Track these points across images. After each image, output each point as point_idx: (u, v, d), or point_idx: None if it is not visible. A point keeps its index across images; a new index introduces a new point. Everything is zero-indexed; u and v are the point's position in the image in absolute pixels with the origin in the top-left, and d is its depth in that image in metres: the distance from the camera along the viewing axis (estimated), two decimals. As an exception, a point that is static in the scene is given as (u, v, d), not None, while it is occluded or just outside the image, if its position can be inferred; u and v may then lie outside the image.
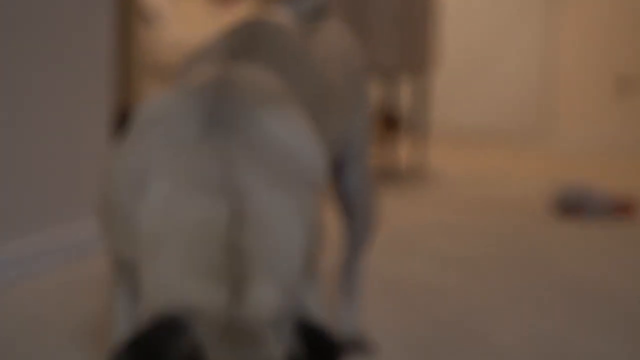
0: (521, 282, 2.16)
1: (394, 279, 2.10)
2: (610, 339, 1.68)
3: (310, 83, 1.35)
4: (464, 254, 2.48)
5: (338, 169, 1.62)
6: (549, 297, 2.02)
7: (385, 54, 3.80)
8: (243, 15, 1.36)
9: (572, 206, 3.21)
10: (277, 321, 0.90)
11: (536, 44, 7.14)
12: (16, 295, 1.84)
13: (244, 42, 1.30)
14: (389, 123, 4.14)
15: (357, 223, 1.62)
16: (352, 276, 1.65)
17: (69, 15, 2.12)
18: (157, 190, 0.99)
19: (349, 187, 1.63)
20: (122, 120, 4.70)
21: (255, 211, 0.96)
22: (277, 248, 0.97)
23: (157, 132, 1.07)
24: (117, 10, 4.58)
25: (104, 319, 1.68)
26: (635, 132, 6.88)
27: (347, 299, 1.63)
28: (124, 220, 1.04)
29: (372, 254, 2.37)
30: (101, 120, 2.29)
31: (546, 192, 3.83)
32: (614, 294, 2.07)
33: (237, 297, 0.89)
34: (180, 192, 0.96)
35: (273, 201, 1.00)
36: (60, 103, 2.12)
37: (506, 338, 1.68)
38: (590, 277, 2.25)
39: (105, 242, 1.13)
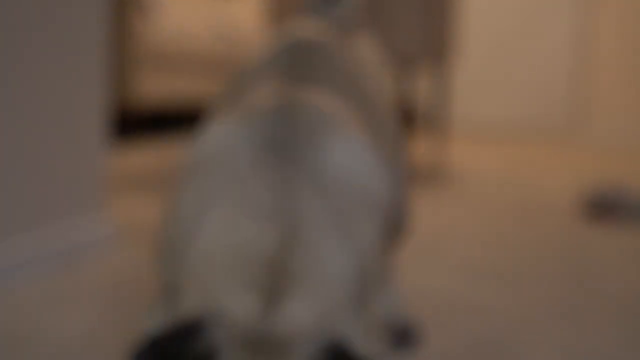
0: (562, 296, 2.07)
1: (423, 293, 1.99)
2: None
3: (363, 104, 1.38)
4: (493, 263, 2.38)
5: None
6: (592, 313, 1.93)
7: (404, 40, 3.81)
8: (287, 30, 1.32)
9: (607, 209, 3.09)
10: (307, 340, 0.91)
11: (569, 33, 7.09)
12: None
13: (299, 63, 1.33)
14: (406, 118, 4.02)
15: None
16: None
17: (61, 4, 2.08)
18: (214, 216, 1.04)
19: None
20: (116, 112, 4.63)
21: (306, 236, 0.99)
22: (323, 272, 0.99)
23: (218, 161, 1.13)
24: None
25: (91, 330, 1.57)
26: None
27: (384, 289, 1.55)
28: (181, 251, 1.08)
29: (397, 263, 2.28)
30: (96, 115, 2.26)
31: (578, 193, 3.68)
32: None
33: (272, 308, 0.90)
34: (235, 217, 1.00)
35: (326, 229, 1.02)
36: (54, 98, 2.08)
37: (549, 354, 1.60)
38: (628, 286, 2.18)
39: (157, 267, 1.19)
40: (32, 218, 2.00)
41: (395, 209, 1.54)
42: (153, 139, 5.39)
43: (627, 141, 6.84)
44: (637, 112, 6.96)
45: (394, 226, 1.55)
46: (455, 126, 7.12)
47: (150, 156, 4.46)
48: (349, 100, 1.34)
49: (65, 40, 2.08)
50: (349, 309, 1.06)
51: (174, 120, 6.70)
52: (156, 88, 4.80)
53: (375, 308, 1.27)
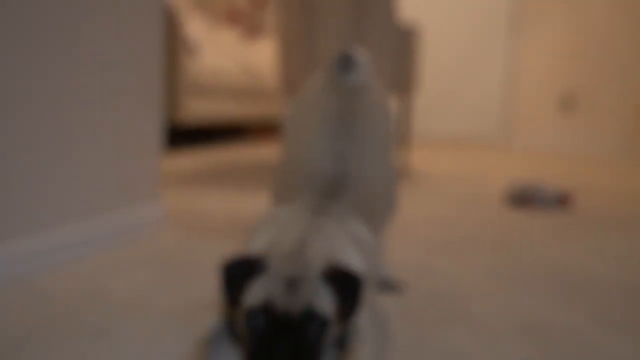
0: (495, 263, 2.08)
1: (400, 261, 2.01)
2: (572, 311, 1.56)
3: (382, 130, 1.57)
4: (447, 240, 2.38)
5: None
6: (517, 275, 1.93)
7: (380, 80, 3.81)
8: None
9: (526, 199, 3.12)
10: (319, 261, 1.13)
11: (498, 70, 7.11)
12: (72, 271, 1.73)
13: (345, 118, 1.51)
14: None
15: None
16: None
17: (130, 45, 2.08)
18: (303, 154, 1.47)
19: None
20: (168, 127, 4.63)
21: (326, 230, 1.25)
22: (331, 244, 1.24)
23: (307, 117, 1.53)
24: (165, 41, 4.53)
25: (151, 289, 1.58)
26: (573, 138, 6.89)
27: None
28: (290, 172, 1.50)
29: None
30: (154, 128, 2.26)
31: (504, 188, 3.68)
32: (568, 269, 1.99)
33: (300, 250, 1.14)
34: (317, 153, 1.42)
35: (338, 234, 1.27)
36: (123, 118, 2.07)
37: (483, 307, 1.59)
38: (547, 253, 2.18)
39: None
40: (107, 203, 2.01)
41: (392, 192, 1.62)
42: (194, 148, 5.39)
43: (539, 149, 6.86)
44: (546, 129, 6.98)
45: (388, 203, 1.60)
46: (415, 138, 7.13)
47: (191, 160, 4.47)
48: (374, 127, 1.53)
49: (133, 75, 2.08)
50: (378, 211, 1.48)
51: (210, 134, 6.70)
52: (197, 109, 4.80)
53: (377, 269, 1.48)
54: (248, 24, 7.55)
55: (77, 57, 1.83)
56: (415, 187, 3.64)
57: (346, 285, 1.11)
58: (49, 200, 1.76)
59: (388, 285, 1.72)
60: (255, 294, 1.09)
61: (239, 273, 1.10)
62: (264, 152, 5.27)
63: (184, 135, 6.14)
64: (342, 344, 1.19)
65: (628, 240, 2.46)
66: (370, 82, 1.59)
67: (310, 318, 1.06)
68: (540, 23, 6.95)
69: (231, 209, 2.72)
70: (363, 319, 1.22)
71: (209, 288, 1.62)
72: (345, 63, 1.54)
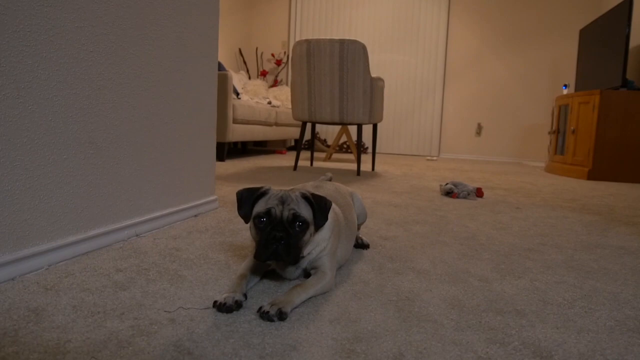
0: (432, 232, 2.06)
1: (369, 231, 1.97)
2: (482, 264, 1.56)
3: (345, 200, 1.60)
4: (401, 218, 2.34)
5: None
6: (448, 239, 1.91)
7: (359, 115, 3.80)
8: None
9: (452, 192, 3.09)
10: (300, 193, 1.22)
11: (434, 109, 7.09)
12: (159, 237, 1.72)
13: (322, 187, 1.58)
14: (360, 147, 4.03)
15: None
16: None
17: (199, 94, 2.06)
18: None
19: None
20: (219, 145, 4.62)
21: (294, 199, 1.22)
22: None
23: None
24: (220, 88, 4.51)
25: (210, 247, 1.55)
26: (485, 154, 6.87)
27: None
28: None
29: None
30: (211, 144, 2.24)
31: (438, 184, 3.68)
32: (479, 236, 1.96)
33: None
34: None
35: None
36: (196, 137, 2.04)
37: (425, 262, 1.57)
38: (466, 225, 2.16)
39: None
40: (182, 197, 1.99)
41: (363, 216, 1.71)
42: (236, 159, 5.38)
43: (461, 161, 6.85)
44: (465, 148, 6.98)
45: (363, 220, 1.70)
46: (379, 152, 7.12)
47: (235, 166, 4.45)
48: (342, 199, 1.57)
49: (200, 111, 2.07)
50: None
51: (247, 149, 6.68)
52: (238, 132, 4.79)
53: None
54: (272, 77, 7.54)
55: (177, 101, 1.83)
56: (380, 183, 3.64)
57: (318, 203, 1.21)
58: (150, 193, 1.77)
59: (363, 245, 1.71)
60: (260, 207, 1.19)
61: (249, 196, 1.22)
62: (281, 161, 5.27)
63: (230, 150, 6.12)
64: (307, 273, 1.29)
65: (517, 218, 2.47)
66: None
67: (295, 219, 1.16)
68: (461, 79, 6.96)
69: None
70: (326, 265, 1.23)
71: (245, 246, 1.62)
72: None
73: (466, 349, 0.96)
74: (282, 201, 1.18)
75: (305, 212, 1.19)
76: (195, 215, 2.09)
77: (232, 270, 1.37)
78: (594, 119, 4.54)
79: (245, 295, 1.13)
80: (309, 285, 1.18)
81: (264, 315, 1.04)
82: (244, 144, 6.68)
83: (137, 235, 1.68)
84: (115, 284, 1.20)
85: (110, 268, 1.32)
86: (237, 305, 1.08)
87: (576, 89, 5.47)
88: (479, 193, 3.11)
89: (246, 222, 1.23)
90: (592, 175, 4.56)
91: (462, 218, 2.40)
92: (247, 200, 1.21)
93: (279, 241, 1.13)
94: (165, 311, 1.05)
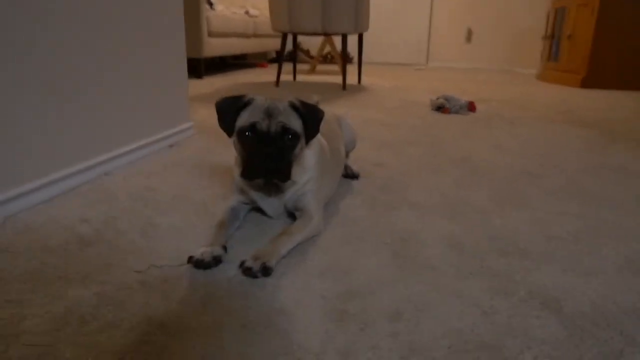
0: (426, 153, 1.96)
1: (358, 157, 1.83)
2: (480, 192, 1.46)
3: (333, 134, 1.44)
4: (393, 139, 2.21)
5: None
6: (443, 163, 1.82)
7: (343, 24, 3.54)
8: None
9: (444, 107, 2.95)
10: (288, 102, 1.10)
11: (423, 14, 6.72)
12: (130, 174, 1.57)
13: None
14: (345, 58, 3.80)
15: None
16: None
17: (161, 7, 1.82)
18: None
19: None
20: (194, 61, 4.35)
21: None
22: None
23: None
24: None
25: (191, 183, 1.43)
26: (475, 61, 6.66)
27: None
28: None
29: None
30: (181, 63, 2.04)
31: (428, 99, 3.51)
32: (475, 157, 1.86)
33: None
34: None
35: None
36: (161, 54, 1.85)
37: (419, 192, 1.48)
38: (461, 146, 2.07)
39: None
40: (154, 126, 1.83)
41: (352, 143, 1.61)
42: (213, 75, 5.10)
43: (450, 69, 6.63)
44: (455, 55, 6.71)
45: (352, 147, 1.61)
46: (365, 63, 6.81)
47: (211, 84, 4.21)
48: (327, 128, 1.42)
49: (166, 22, 1.85)
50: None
51: (227, 63, 6.34)
52: (214, 46, 4.48)
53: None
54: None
55: (136, 16, 1.59)
56: (367, 98, 3.45)
57: (309, 113, 1.09)
58: (118, 125, 1.59)
59: (353, 175, 1.60)
60: (244, 120, 1.06)
61: (230, 107, 1.09)
62: (262, 76, 5.00)
63: (208, 66, 5.77)
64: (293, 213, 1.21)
65: (513, 135, 2.35)
66: None
67: (285, 132, 1.05)
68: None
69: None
70: (311, 204, 1.18)
71: (224, 183, 1.50)
72: None
73: (469, 302, 0.88)
74: (269, 113, 1.07)
75: (295, 123, 1.09)
76: (171, 146, 1.94)
77: (210, 214, 1.25)
78: (592, 23, 4.29)
79: (225, 248, 1.02)
80: (295, 230, 1.07)
81: (246, 271, 0.94)
82: (223, 58, 6.31)
83: (106, 174, 1.54)
84: (80, 239, 1.08)
85: (75, 218, 1.20)
86: (216, 262, 0.97)
87: (575, -11, 5.13)
88: (471, 107, 2.97)
89: (229, 136, 1.11)
90: (586, 83, 4.40)
91: (456, 137, 2.28)
92: (227, 111, 1.09)
93: (269, 157, 1.03)
94: (135, 271, 0.95)
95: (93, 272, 0.94)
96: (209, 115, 2.62)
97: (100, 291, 0.87)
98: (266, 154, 1.03)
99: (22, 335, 0.75)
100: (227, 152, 1.88)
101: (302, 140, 1.10)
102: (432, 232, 1.19)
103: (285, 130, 1.05)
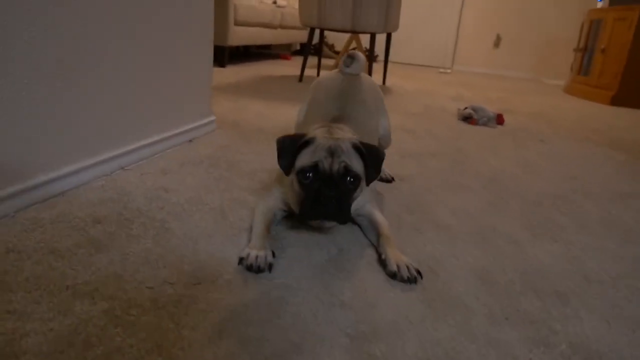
0: (451, 168, 1.88)
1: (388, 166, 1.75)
2: (510, 217, 1.38)
3: (377, 97, 1.53)
4: (416, 149, 2.13)
5: None
6: (469, 181, 1.73)
7: (373, 23, 3.45)
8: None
9: (471, 117, 2.85)
10: (348, 140, 1.08)
11: (452, 17, 6.57)
12: (147, 170, 1.51)
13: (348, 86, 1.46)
14: (371, 58, 3.71)
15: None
16: None
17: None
18: (316, 103, 1.38)
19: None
20: (219, 50, 4.28)
21: (350, 112, 1.27)
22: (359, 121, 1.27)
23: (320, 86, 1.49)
24: None
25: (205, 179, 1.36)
26: (501, 68, 6.50)
27: None
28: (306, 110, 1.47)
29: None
30: (207, 51, 1.96)
31: (455, 108, 3.40)
32: (503, 177, 1.77)
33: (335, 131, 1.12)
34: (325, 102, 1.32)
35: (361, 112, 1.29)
36: (187, 39, 1.78)
37: (446, 214, 1.40)
38: (488, 162, 1.98)
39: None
40: (175, 120, 1.77)
41: (387, 135, 1.57)
42: (239, 64, 5.03)
43: (478, 74, 6.49)
44: (483, 60, 6.57)
45: (386, 142, 1.58)
46: (392, 64, 6.69)
47: (235, 74, 4.14)
48: (373, 95, 1.49)
49: (194, 10, 1.78)
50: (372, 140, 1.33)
51: (250, 52, 6.26)
52: (240, 35, 4.40)
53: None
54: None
55: (164, 2, 1.52)
56: (391, 101, 3.36)
57: (371, 155, 1.07)
58: (137, 117, 1.53)
59: (387, 180, 1.63)
60: (305, 159, 1.04)
61: (290, 146, 1.06)
62: (285, 68, 4.92)
63: (232, 53, 5.69)
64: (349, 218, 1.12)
65: (542, 155, 2.25)
66: (363, 73, 1.53)
67: (347, 173, 1.04)
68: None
69: (262, 115, 2.48)
70: (376, 211, 1.19)
71: (243, 187, 1.43)
72: (350, 60, 1.48)
73: (505, 353, 0.81)
74: (331, 152, 1.05)
75: (357, 164, 1.07)
76: (190, 140, 1.88)
77: (228, 222, 1.19)
78: (629, 38, 4.13)
79: (274, 254, 1.02)
80: (386, 231, 1.13)
81: (410, 279, 0.98)
82: (247, 47, 6.23)
83: (122, 169, 1.48)
84: (90, 243, 1.02)
85: (87, 217, 1.14)
86: (269, 269, 0.98)
87: (612, 3, 4.96)
88: (499, 120, 2.87)
89: (287, 174, 1.08)
90: (616, 101, 4.26)
91: (482, 151, 2.19)
92: (288, 149, 1.06)
93: (330, 200, 1.00)
94: (147, 287, 0.88)
95: (102, 283, 0.88)
96: (231, 109, 2.56)
97: (109, 308, 0.81)
98: (329, 197, 1.00)
99: (22, 357, 0.69)
100: (247, 150, 1.81)
101: (363, 183, 1.08)
102: (461, 262, 1.11)
103: (348, 171, 1.04)
